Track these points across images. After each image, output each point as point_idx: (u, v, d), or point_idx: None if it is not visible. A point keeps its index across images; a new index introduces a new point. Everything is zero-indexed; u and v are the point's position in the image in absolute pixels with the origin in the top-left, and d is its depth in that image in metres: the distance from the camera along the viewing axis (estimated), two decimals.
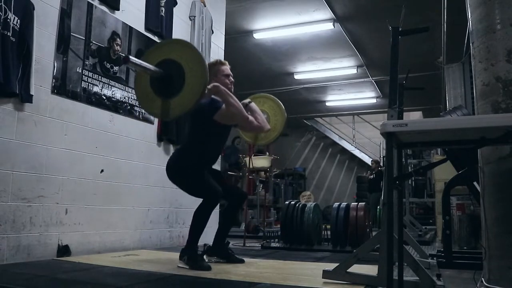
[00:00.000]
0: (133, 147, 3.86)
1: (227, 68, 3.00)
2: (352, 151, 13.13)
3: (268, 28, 6.92)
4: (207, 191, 2.79)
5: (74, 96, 3.28)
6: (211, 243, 3.03)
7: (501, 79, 1.89)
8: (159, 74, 2.53)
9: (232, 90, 2.98)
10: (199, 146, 2.87)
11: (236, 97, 2.87)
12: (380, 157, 7.79)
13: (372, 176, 9.07)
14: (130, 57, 2.43)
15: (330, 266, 2.29)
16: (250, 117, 2.92)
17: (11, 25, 2.78)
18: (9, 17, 2.76)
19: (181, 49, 2.58)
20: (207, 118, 2.82)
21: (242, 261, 2.96)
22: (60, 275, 2.35)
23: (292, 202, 4.41)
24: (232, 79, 3.00)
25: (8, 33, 2.76)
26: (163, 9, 4.27)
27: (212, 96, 2.84)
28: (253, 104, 3.07)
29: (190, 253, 2.67)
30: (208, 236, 3.21)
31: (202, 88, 2.42)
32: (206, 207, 2.77)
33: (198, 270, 2.53)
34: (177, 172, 2.89)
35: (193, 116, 2.89)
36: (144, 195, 3.96)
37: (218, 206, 3.37)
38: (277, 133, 3.45)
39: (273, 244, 4.43)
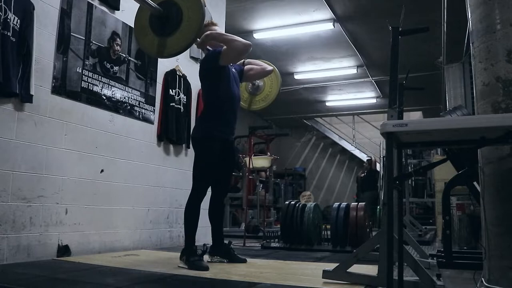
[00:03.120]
0: (133, 147, 3.86)
1: (217, 28, 3.06)
2: (352, 151, 13.13)
3: (268, 28, 6.92)
4: (197, 178, 2.84)
5: (74, 96, 3.28)
6: (210, 243, 3.03)
7: (501, 79, 1.89)
8: (158, 12, 2.68)
9: None
10: (213, 108, 2.90)
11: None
12: (380, 157, 7.78)
13: (363, 175, 9.10)
14: None
15: (330, 266, 2.29)
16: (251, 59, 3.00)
17: (11, 25, 2.78)
18: (9, 17, 2.76)
19: None
20: (214, 69, 2.86)
21: (244, 261, 2.96)
22: (60, 275, 2.35)
23: (292, 202, 4.41)
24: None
25: (8, 33, 2.76)
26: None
27: (208, 47, 2.93)
28: (249, 60, 3.18)
29: (189, 253, 2.68)
30: (208, 236, 3.23)
31: (199, 21, 2.59)
32: (192, 199, 2.82)
33: (196, 270, 2.53)
34: (194, 143, 2.95)
35: (202, 79, 2.98)
36: (144, 195, 3.96)
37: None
38: (273, 96, 3.48)
39: (273, 244, 4.43)
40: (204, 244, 2.92)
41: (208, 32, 2.87)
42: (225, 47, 2.82)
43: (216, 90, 2.90)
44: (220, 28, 3.08)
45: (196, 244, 2.78)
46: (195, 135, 2.95)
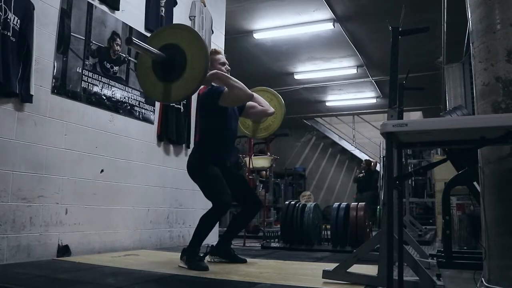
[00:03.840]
0: (133, 147, 3.86)
1: (222, 56, 3.03)
2: (352, 151, 13.13)
3: (268, 28, 6.92)
4: (214, 196, 2.78)
5: (74, 96, 3.28)
6: (210, 243, 3.03)
7: (501, 79, 1.89)
8: (161, 57, 2.57)
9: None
10: (209, 140, 2.89)
11: None
12: (380, 157, 7.78)
13: (361, 175, 9.11)
14: (133, 38, 2.49)
15: (330, 266, 2.29)
16: (255, 94, 2.95)
17: (11, 25, 2.78)
18: (9, 17, 2.76)
19: (182, 33, 2.61)
20: (212, 106, 2.84)
21: (244, 261, 2.96)
22: (60, 275, 2.35)
23: (292, 202, 4.40)
24: (228, 67, 3.02)
25: (8, 33, 2.76)
26: (163, 9, 4.27)
27: (212, 83, 2.88)
28: (255, 94, 3.08)
29: (190, 253, 2.68)
30: (210, 238, 3.22)
31: (203, 72, 2.46)
32: (212, 214, 2.78)
33: (196, 270, 2.54)
34: (190, 170, 2.92)
35: (200, 110, 2.96)
36: (144, 195, 3.96)
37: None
38: (276, 126, 3.49)
39: (273, 244, 4.43)
40: (207, 245, 2.92)
41: (215, 71, 2.81)
42: (227, 89, 2.81)
43: (211, 124, 2.91)
44: (223, 57, 3.04)
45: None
46: (190, 163, 2.92)
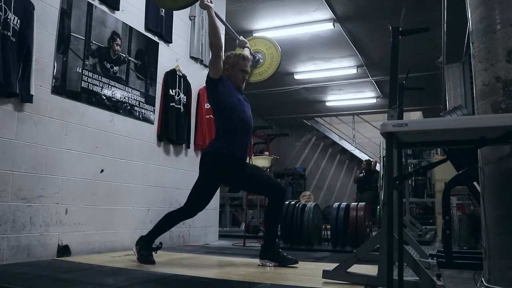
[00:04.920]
0: (133, 147, 3.86)
1: (246, 64, 3.05)
2: (352, 151, 13.12)
3: (268, 28, 6.92)
4: (194, 199, 2.86)
5: (74, 96, 3.28)
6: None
7: (501, 79, 1.89)
8: None
9: (243, 87, 3.08)
10: (227, 132, 2.89)
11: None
12: (380, 157, 7.77)
13: (361, 175, 9.12)
14: None
15: (330, 266, 2.29)
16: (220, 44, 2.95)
17: (11, 25, 2.78)
18: (9, 17, 2.76)
19: None
20: (213, 88, 2.91)
21: (296, 261, 2.85)
22: (60, 275, 2.35)
23: (292, 202, 4.41)
24: (246, 78, 3.08)
25: (8, 33, 2.76)
26: (163, 9, 4.27)
27: None
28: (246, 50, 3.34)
29: (145, 246, 2.80)
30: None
31: None
32: (180, 213, 2.90)
33: (143, 263, 2.69)
34: (202, 160, 2.94)
35: (211, 106, 3.04)
36: (144, 195, 3.96)
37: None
38: (271, 72, 3.62)
39: None
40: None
41: (210, 8, 2.93)
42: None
43: (223, 112, 2.92)
44: (248, 66, 3.09)
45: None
46: (205, 149, 3.02)
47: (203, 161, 2.91)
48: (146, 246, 2.80)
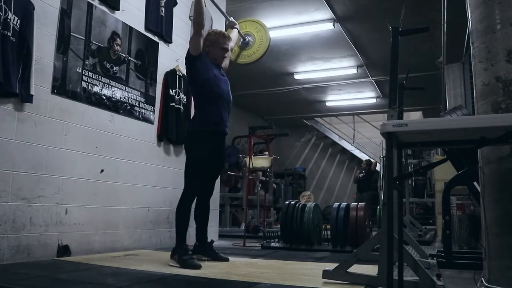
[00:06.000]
0: (133, 147, 3.86)
1: (226, 42, 3.07)
2: (352, 151, 13.11)
3: (268, 28, 6.90)
4: (190, 180, 2.88)
5: (74, 96, 3.28)
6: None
7: (501, 79, 1.89)
8: None
9: (224, 63, 3.13)
10: (202, 106, 2.95)
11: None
12: (380, 157, 7.77)
13: (361, 175, 9.11)
14: None
15: (330, 266, 2.29)
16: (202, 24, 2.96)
17: (11, 25, 2.78)
18: (9, 17, 2.76)
19: None
20: (192, 65, 2.95)
21: (226, 259, 3.02)
22: (60, 275, 2.35)
23: (292, 202, 4.40)
24: (226, 55, 3.11)
25: (8, 33, 2.76)
26: (163, 9, 4.28)
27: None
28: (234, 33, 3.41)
29: (180, 251, 2.74)
30: (209, 235, 3.23)
31: None
32: (184, 199, 2.90)
33: (188, 268, 2.59)
34: (186, 139, 3.02)
35: (189, 85, 3.13)
36: (144, 195, 3.96)
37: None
38: (259, 54, 3.68)
39: (273, 244, 4.43)
40: (195, 243, 2.94)
41: None
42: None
43: (201, 90, 2.98)
44: (228, 45, 3.14)
45: (187, 243, 2.86)
46: (189, 134, 3.00)
47: (185, 142, 3.01)
48: (181, 252, 2.73)
